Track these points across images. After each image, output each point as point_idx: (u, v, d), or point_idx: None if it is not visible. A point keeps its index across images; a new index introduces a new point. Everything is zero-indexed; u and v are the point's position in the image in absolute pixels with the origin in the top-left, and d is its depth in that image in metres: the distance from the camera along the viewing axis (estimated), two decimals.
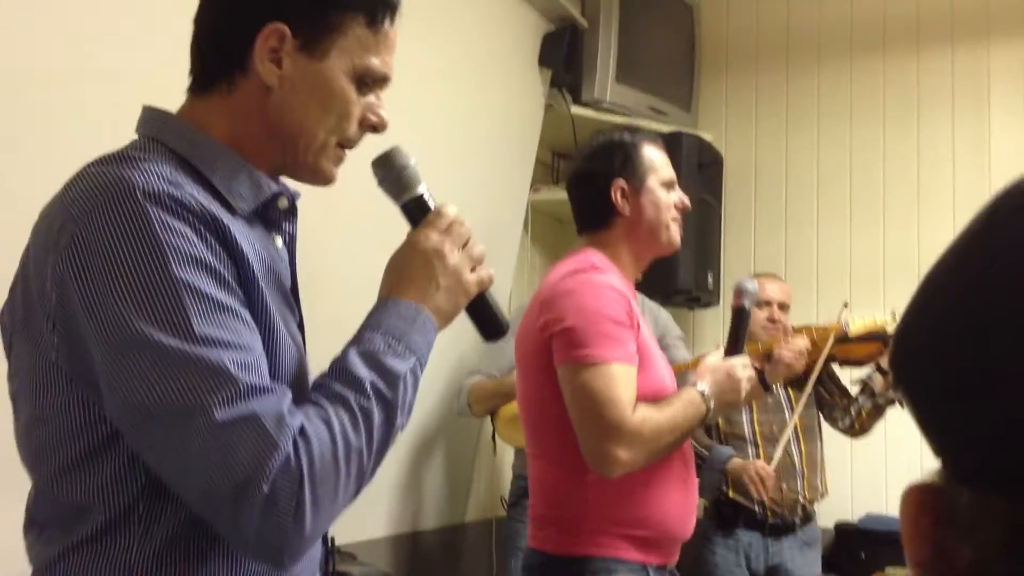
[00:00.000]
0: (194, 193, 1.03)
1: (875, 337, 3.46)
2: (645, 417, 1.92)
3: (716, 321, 4.37)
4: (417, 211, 1.22)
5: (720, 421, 3.40)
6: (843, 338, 3.29)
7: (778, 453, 3.22)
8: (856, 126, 4.41)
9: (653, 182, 2.11)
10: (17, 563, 1.12)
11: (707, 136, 4.32)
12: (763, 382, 2.75)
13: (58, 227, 1.00)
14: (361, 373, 1.05)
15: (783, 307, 3.52)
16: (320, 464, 0.98)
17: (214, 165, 1.10)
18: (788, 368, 2.93)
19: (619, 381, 1.91)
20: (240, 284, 1.04)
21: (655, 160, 2.14)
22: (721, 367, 2.06)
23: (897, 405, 3.46)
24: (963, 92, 4.24)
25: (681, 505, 2.06)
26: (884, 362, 3.41)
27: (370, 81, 1.17)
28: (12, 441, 1.10)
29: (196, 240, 0.99)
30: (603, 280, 2.00)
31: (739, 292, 2.25)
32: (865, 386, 3.46)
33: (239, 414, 0.95)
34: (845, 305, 3.31)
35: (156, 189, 0.99)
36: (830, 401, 3.52)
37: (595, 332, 1.93)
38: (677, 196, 2.14)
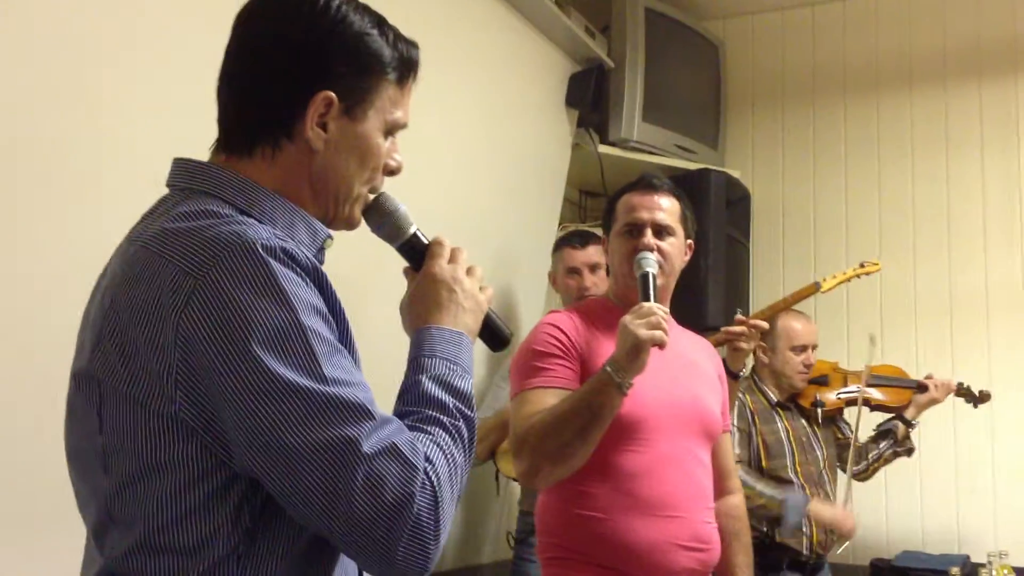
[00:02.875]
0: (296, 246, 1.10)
1: (907, 384, 3.48)
2: (534, 423, 2.02)
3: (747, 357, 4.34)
4: (414, 249, 1.31)
5: (764, 463, 3.34)
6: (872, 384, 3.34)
7: (847, 496, 3.28)
8: (884, 161, 4.41)
9: (613, 233, 2.25)
10: None
11: (735, 173, 4.33)
12: (730, 373, 2.61)
13: (170, 283, 1.03)
14: (441, 396, 1.15)
15: (814, 348, 3.45)
16: (444, 482, 1.07)
17: (274, 217, 1.15)
18: (736, 348, 2.63)
19: (523, 404, 2.08)
20: (337, 327, 1.11)
21: (620, 209, 2.26)
22: (618, 327, 2.00)
23: (906, 456, 3.50)
24: (992, 124, 4.24)
25: (651, 535, 2.04)
26: (907, 412, 3.43)
27: (394, 131, 1.25)
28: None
29: (308, 289, 1.07)
30: (547, 319, 2.21)
31: (635, 267, 2.15)
32: (889, 432, 3.47)
33: (382, 445, 1.03)
34: (872, 339, 3.33)
35: (272, 244, 1.05)
36: (844, 442, 3.50)
37: (520, 366, 2.14)
38: (632, 243, 2.17)
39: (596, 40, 4.01)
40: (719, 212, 4.03)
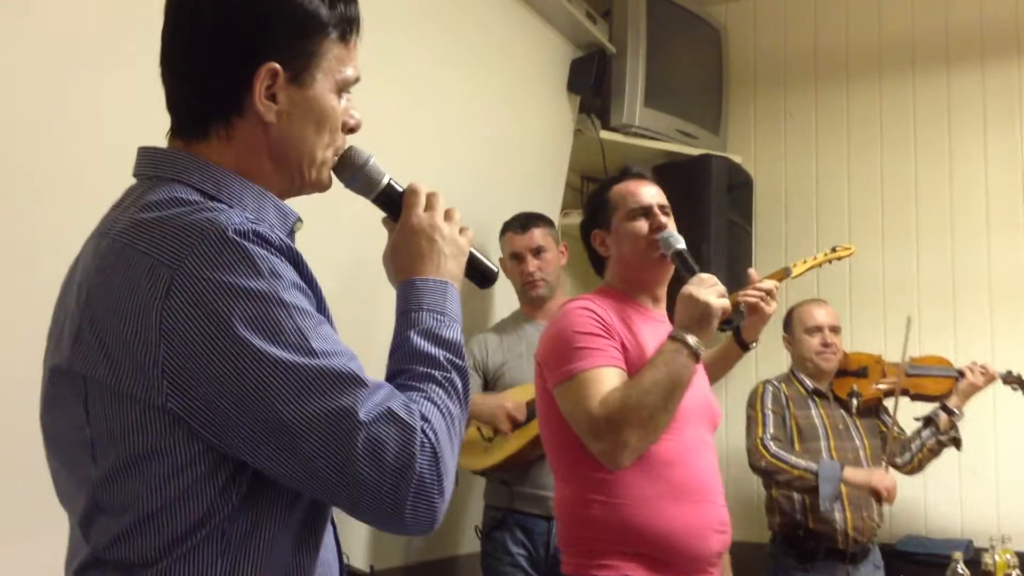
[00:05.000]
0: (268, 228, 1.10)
1: (947, 373, 3.47)
2: (614, 399, 2.00)
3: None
4: (391, 199, 1.30)
5: (797, 446, 3.36)
6: (911, 372, 3.40)
7: (884, 465, 3.28)
8: (887, 145, 4.39)
9: (617, 220, 2.27)
10: None
11: (736, 158, 4.32)
12: (740, 343, 2.59)
13: (147, 274, 1.02)
14: (431, 350, 1.16)
15: (835, 330, 3.52)
16: (443, 437, 1.09)
17: (243, 200, 1.15)
18: (757, 311, 2.54)
19: (588, 384, 2.04)
20: (316, 305, 1.12)
21: (618, 198, 2.28)
22: (680, 299, 2.08)
23: (954, 446, 3.47)
24: (994, 109, 4.22)
25: (689, 521, 2.07)
26: (950, 401, 3.42)
27: (347, 88, 1.23)
28: None
29: (285, 267, 1.07)
30: (577, 304, 2.18)
31: (664, 247, 2.19)
32: (930, 421, 3.46)
33: (378, 411, 1.04)
34: (908, 321, 3.34)
35: (244, 227, 1.05)
36: (888, 434, 3.50)
37: (567, 349, 2.11)
38: (649, 221, 2.22)
39: (597, 25, 4.00)
40: (721, 197, 4.03)
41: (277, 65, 1.14)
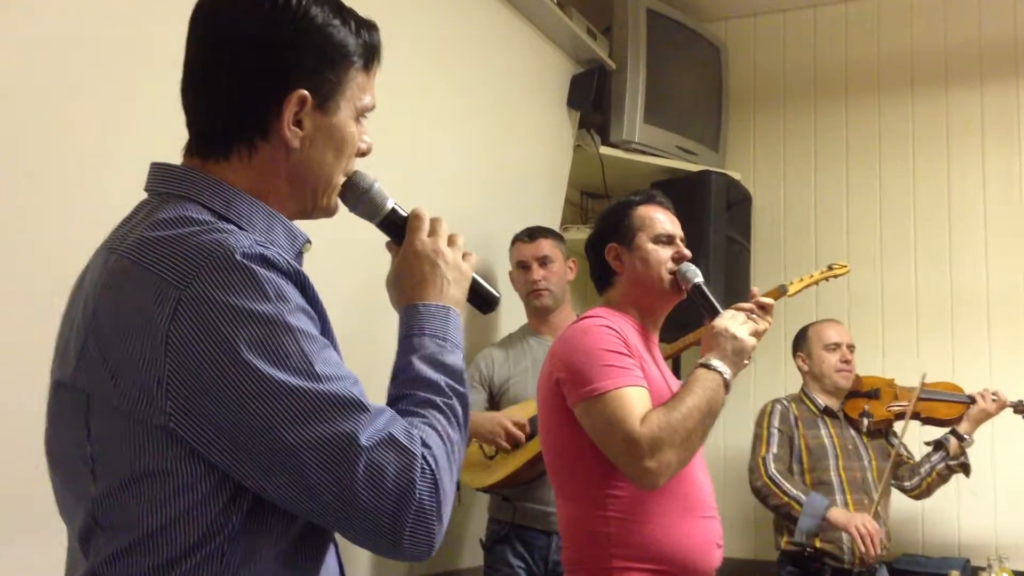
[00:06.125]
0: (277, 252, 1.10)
1: (959, 399, 3.49)
2: (656, 421, 2.00)
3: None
4: (394, 223, 1.31)
5: (806, 465, 3.39)
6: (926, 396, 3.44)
7: (876, 504, 3.29)
8: (885, 163, 4.40)
9: (642, 240, 2.28)
10: None
11: (735, 175, 4.33)
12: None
13: (154, 294, 1.03)
14: (433, 376, 1.17)
15: (851, 348, 3.58)
16: (443, 464, 1.09)
17: (252, 221, 1.15)
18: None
19: (626, 402, 2.03)
20: (321, 329, 1.12)
21: (645, 219, 2.31)
22: (714, 330, 2.14)
23: (962, 472, 3.49)
24: (993, 126, 4.24)
25: (698, 535, 2.10)
26: (960, 426, 3.44)
27: (363, 114, 1.25)
28: None
29: (291, 290, 1.08)
30: (598, 322, 2.16)
31: (682, 279, 2.23)
32: (940, 446, 3.48)
33: (379, 437, 1.05)
34: (923, 377, 3.40)
35: (253, 251, 1.06)
36: (898, 459, 3.51)
37: (595, 366, 2.08)
38: (673, 249, 2.27)
39: (598, 41, 4.02)
40: (720, 214, 4.03)
41: (307, 93, 1.16)
